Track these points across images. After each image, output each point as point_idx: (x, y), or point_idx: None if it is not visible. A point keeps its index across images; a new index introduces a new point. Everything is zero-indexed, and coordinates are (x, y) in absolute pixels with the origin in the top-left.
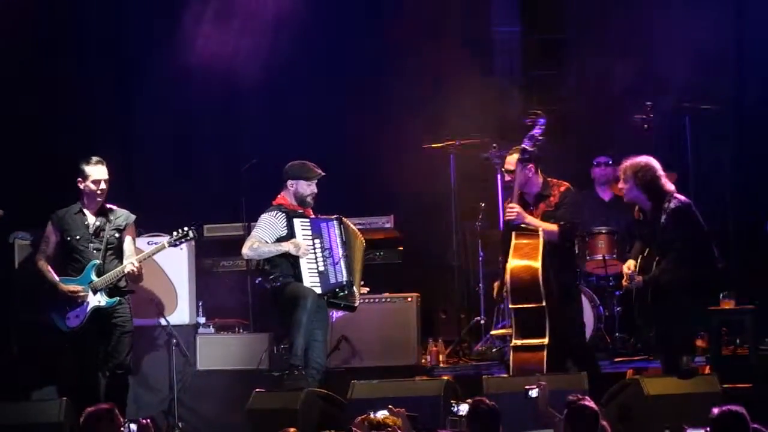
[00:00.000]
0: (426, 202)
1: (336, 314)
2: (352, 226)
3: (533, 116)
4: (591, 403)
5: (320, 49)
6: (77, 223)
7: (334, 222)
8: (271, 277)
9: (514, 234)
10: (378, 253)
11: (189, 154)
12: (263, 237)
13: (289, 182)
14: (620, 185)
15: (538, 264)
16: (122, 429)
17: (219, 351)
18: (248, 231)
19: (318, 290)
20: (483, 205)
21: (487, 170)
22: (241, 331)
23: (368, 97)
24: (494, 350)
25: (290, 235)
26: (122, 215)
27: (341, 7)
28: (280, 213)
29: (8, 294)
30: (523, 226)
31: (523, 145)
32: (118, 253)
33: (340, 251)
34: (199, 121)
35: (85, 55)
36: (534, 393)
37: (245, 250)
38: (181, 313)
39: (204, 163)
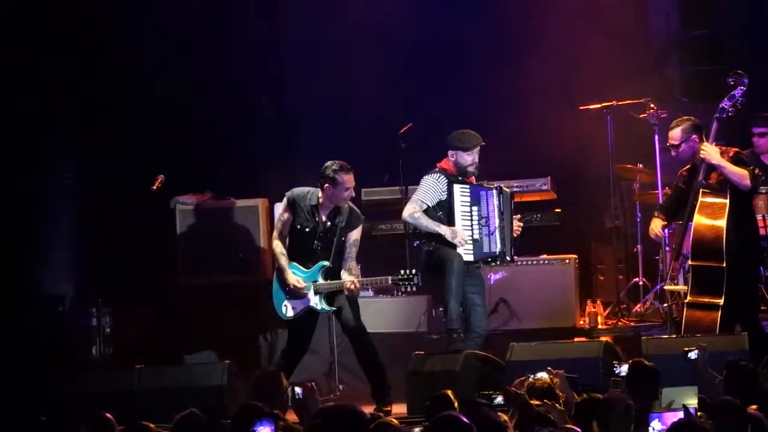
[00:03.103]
0: (583, 163)
1: (494, 277)
2: (508, 192)
3: (736, 76)
4: (751, 365)
5: (475, 9)
6: (308, 216)
7: (494, 191)
8: (424, 240)
9: (701, 192)
10: (535, 216)
11: (345, 118)
12: (424, 200)
13: (450, 152)
14: None
15: (723, 224)
16: (287, 391)
17: (378, 314)
18: (405, 194)
19: (470, 257)
20: (640, 166)
21: (645, 131)
22: (400, 294)
23: (524, 58)
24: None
25: (450, 199)
26: (353, 217)
27: None
28: (442, 176)
29: (171, 259)
30: (710, 183)
31: (721, 104)
32: (343, 253)
33: (497, 221)
34: (355, 84)
35: (241, 19)
36: (693, 355)
37: (406, 215)
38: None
39: (360, 126)
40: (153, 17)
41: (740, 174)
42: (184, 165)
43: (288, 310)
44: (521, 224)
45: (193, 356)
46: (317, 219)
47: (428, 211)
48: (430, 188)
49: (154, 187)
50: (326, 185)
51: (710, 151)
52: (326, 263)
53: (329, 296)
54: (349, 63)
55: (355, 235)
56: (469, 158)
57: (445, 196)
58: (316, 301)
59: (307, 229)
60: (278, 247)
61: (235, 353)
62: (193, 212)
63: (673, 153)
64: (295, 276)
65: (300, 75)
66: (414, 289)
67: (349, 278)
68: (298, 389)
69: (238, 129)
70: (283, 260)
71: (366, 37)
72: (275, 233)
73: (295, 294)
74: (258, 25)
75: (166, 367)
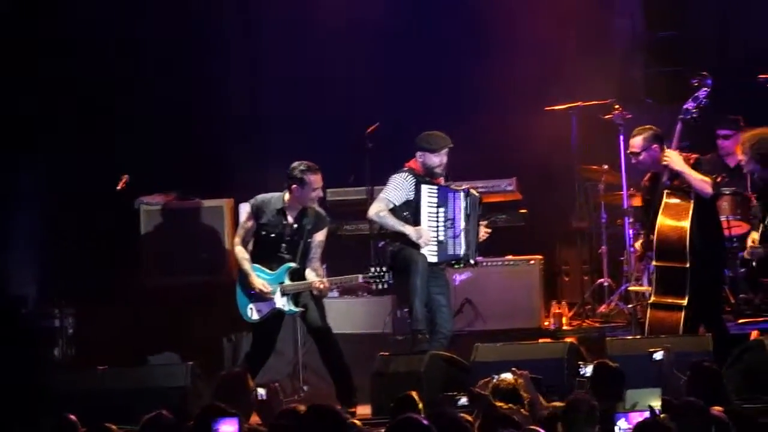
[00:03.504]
0: (548, 164)
1: (459, 278)
2: (477, 194)
3: (700, 77)
4: (714, 366)
5: (444, 11)
6: (276, 220)
7: (461, 193)
8: (389, 240)
9: (665, 193)
10: (501, 216)
11: (312, 117)
12: (392, 199)
13: (418, 154)
14: (739, 156)
15: (687, 225)
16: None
17: (343, 315)
18: (371, 195)
19: (434, 259)
20: (605, 167)
21: (611, 132)
22: (364, 294)
23: (490, 59)
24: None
25: (417, 200)
26: (319, 218)
27: None
28: (410, 176)
29: (135, 259)
30: (675, 184)
31: (685, 106)
32: (309, 254)
33: (463, 224)
34: (323, 84)
35: (214, 19)
36: (659, 356)
37: (372, 214)
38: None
39: (327, 126)
40: (124, 16)
41: (702, 181)
42: (151, 165)
43: (253, 313)
44: (489, 230)
45: (157, 357)
46: (284, 222)
47: (394, 211)
48: (398, 187)
49: (119, 188)
50: (294, 186)
51: (673, 158)
52: (293, 264)
53: (296, 297)
54: (317, 64)
55: (321, 236)
56: (437, 160)
57: (413, 195)
58: (283, 303)
59: (273, 234)
60: (240, 252)
61: (199, 354)
62: (158, 212)
63: (633, 161)
64: (261, 280)
65: (269, 75)
66: (385, 286)
67: (316, 278)
68: (261, 390)
69: (206, 129)
70: (247, 264)
71: (335, 38)
72: (237, 239)
73: (260, 297)
74: (231, 25)
75: (130, 368)
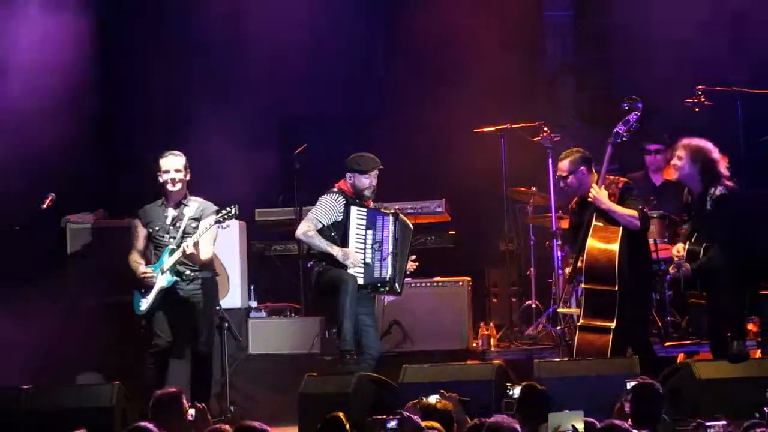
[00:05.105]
0: (477, 186)
1: (387, 298)
2: (407, 222)
3: (631, 101)
4: (656, 384)
5: (371, 32)
6: (158, 215)
7: (390, 217)
8: (315, 260)
9: (594, 216)
10: (429, 238)
11: (241, 138)
12: (320, 219)
13: (347, 175)
14: (674, 161)
15: (616, 248)
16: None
17: (271, 335)
18: (299, 215)
19: (360, 281)
20: (534, 189)
21: (540, 154)
22: (292, 315)
23: (419, 80)
24: (559, 328)
25: (345, 221)
26: (200, 206)
27: None
28: (340, 197)
29: (62, 278)
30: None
31: (616, 129)
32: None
33: (390, 247)
34: (252, 105)
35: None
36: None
37: (299, 233)
38: (232, 296)
39: (256, 147)
40: None
41: (630, 216)
42: (77, 183)
43: (144, 303)
44: (416, 264)
45: (83, 377)
46: (165, 214)
47: (322, 231)
48: (327, 208)
49: (44, 206)
50: (157, 175)
51: (600, 196)
52: (172, 246)
53: (175, 273)
54: (248, 84)
55: (206, 223)
56: (366, 181)
57: (341, 217)
58: (163, 280)
59: (158, 227)
60: (131, 258)
61: (126, 374)
62: (84, 231)
63: (561, 184)
64: (143, 268)
65: (200, 97)
66: (234, 219)
67: (184, 244)
68: (191, 410)
69: (131, 146)
70: (134, 265)
71: (265, 59)
72: (131, 249)
73: (147, 286)
74: (171, 39)
75: (55, 387)
